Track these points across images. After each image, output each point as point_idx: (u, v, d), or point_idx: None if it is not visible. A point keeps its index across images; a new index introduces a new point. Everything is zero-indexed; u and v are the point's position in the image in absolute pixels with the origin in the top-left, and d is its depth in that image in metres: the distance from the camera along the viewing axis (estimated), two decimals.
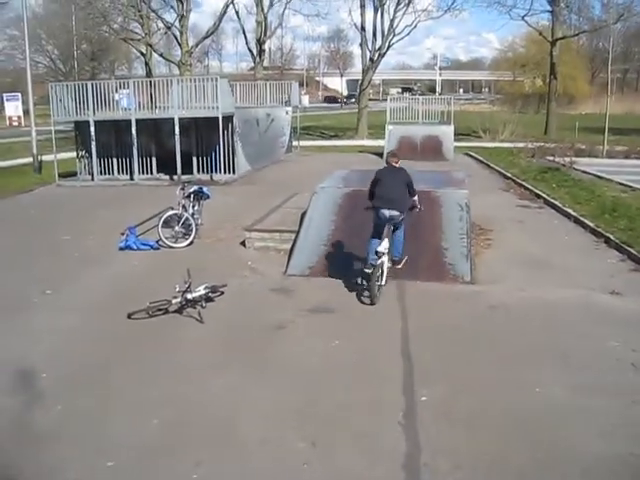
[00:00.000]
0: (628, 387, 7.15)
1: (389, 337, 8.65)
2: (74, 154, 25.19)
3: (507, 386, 7.18)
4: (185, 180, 19.92)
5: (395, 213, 10.12)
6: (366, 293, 10.15)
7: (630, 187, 19.83)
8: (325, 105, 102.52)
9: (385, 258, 10.15)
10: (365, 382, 7.33)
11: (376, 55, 43.61)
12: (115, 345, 8.57)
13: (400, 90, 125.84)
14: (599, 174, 22.81)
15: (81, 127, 24.09)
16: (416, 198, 10.88)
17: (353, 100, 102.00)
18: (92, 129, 22.95)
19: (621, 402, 6.79)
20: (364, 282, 10.31)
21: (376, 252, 9.97)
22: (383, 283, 10.22)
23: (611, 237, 13.35)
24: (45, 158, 26.39)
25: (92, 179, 24.08)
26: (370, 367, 7.74)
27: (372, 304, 9.86)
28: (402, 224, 10.53)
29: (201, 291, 9.65)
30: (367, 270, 9.96)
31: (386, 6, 42.67)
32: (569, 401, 6.82)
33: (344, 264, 11.51)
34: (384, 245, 10.07)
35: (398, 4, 42.07)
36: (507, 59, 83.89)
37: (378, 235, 10.24)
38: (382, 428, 6.31)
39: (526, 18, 45.76)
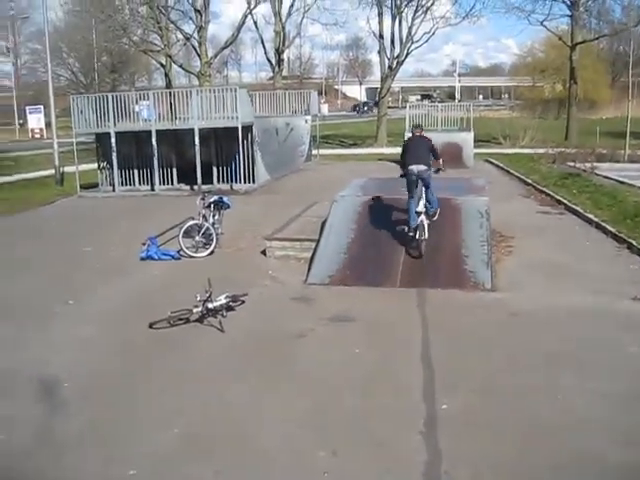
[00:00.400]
0: None
1: (409, 345, 8.63)
2: (95, 165, 25.41)
3: (528, 393, 7.14)
4: (205, 190, 20.00)
5: (422, 167, 11.87)
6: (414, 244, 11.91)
7: None
8: (344, 114, 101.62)
9: (423, 216, 11.93)
10: (386, 390, 7.32)
11: (394, 63, 43.61)
12: (137, 355, 8.62)
13: (419, 97, 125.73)
14: (621, 179, 22.65)
15: (102, 139, 24.29)
16: (441, 161, 12.91)
17: (366, 108, 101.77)
18: (113, 140, 23.13)
19: None
20: (415, 235, 11.87)
21: (416, 212, 11.88)
22: (426, 237, 11.83)
23: (634, 243, 13.24)
24: (67, 170, 26.62)
25: (113, 190, 24.24)
26: (391, 375, 7.73)
27: (420, 257, 11.64)
28: (430, 180, 12.13)
29: (222, 300, 9.68)
30: (410, 233, 11.91)
31: (404, 14, 42.71)
32: (590, 408, 6.77)
33: (364, 272, 11.52)
34: (421, 205, 11.97)
35: (416, 11, 42.08)
36: (526, 64, 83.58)
37: (412, 195, 11.98)
38: (403, 436, 6.29)
39: (545, 23, 45.49)
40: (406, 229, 12.17)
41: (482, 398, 7.05)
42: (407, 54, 43.36)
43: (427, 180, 12.09)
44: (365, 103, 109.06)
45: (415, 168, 11.86)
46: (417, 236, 11.78)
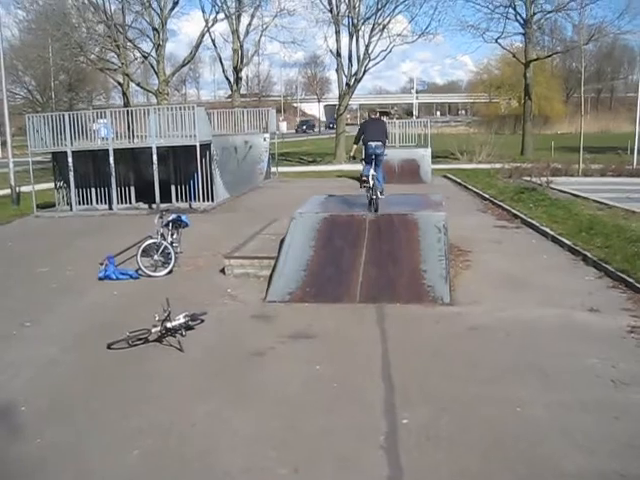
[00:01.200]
0: (609, 404, 7.18)
1: (370, 361, 8.65)
2: (52, 185, 25.12)
3: (488, 406, 7.19)
4: (164, 209, 19.87)
5: (379, 143, 14.21)
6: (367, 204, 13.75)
7: (606, 205, 20.03)
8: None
9: (375, 180, 13.89)
10: (346, 406, 7.32)
11: (352, 80, 43.96)
12: (95, 376, 8.52)
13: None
14: (575, 192, 23.04)
15: (59, 158, 24.03)
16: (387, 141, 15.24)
17: (305, 127, 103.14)
18: (70, 159, 22.89)
19: (603, 419, 6.82)
20: (367, 193, 13.89)
21: (369, 173, 13.98)
22: (379, 197, 13.66)
23: (588, 255, 13.46)
24: (23, 189, 26.33)
25: (71, 209, 23.97)
26: (351, 391, 7.73)
27: (376, 211, 13.32)
28: (382, 159, 14.65)
29: (181, 320, 9.61)
30: (366, 185, 13.97)
31: (361, 32, 43.15)
32: (550, 419, 6.84)
33: (323, 289, 11.54)
34: (372, 171, 13.98)
35: (373, 30, 42.52)
36: (482, 81, 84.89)
37: (369, 164, 14.28)
38: (364, 452, 6.30)
39: (500, 40, 46.36)
40: (361, 185, 14.64)
41: (442, 412, 7.08)
42: (364, 71, 43.78)
43: (380, 157, 14.48)
44: (304, 122, 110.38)
45: (373, 144, 14.18)
46: (372, 196, 13.64)
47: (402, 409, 7.15)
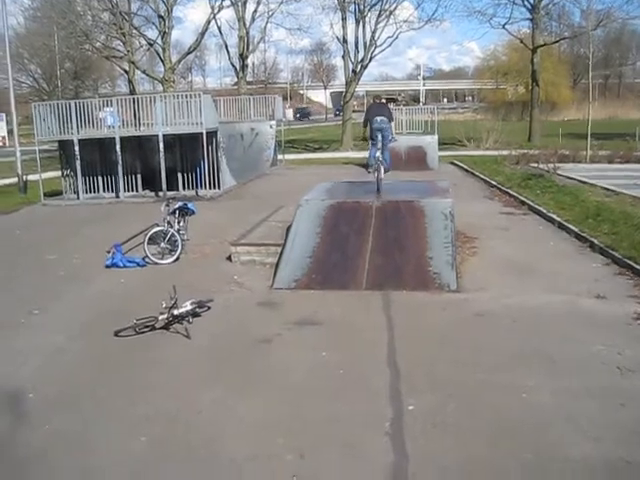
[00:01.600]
0: (615, 390, 7.18)
1: (376, 347, 8.66)
2: (59, 173, 25.17)
3: (494, 393, 7.20)
4: (170, 196, 19.91)
5: (384, 119, 15.81)
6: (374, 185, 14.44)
7: (613, 191, 19.96)
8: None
9: (380, 162, 14.78)
10: (352, 393, 7.34)
11: (359, 67, 43.85)
12: (102, 363, 8.55)
13: (384, 101, 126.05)
14: (583, 179, 22.97)
15: (65, 146, 24.07)
16: (393, 126, 17.45)
17: (299, 115, 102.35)
18: (76, 148, 22.93)
19: (608, 405, 6.82)
20: (374, 174, 14.69)
21: (375, 157, 15.13)
22: (382, 177, 14.49)
23: (595, 241, 13.43)
24: (30, 178, 26.38)
25: (77, 198, 24.03)
26: (357, 378, 7.75)
27: (379, 191, 14.04)
28: (388, 136, 16.06)
29: (187, 307, 9.63)
30: (370, 170, 15.48)
31: (367, 18, 42.99)
32: (556, 406, 6.85)
33: (330, 276, 11.55)
34: (379, 153, 15.13)
35: (379, 16, 42.35)
36: (489, 67, 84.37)
37: (374, 143, 15.74)
38: (370, 439, 6.31)
39: (507, 26, 46.12)
40: (368, 167, 16.97)
41: (448, 398, 7.09)
42: (371, 58, 43.66)
43: (386, 134, 15.91)
44: (299, 109, 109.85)
45: (378, 119, 15.76)
46: (376, 176, 14.46)
47: (408, 395, 7.16)
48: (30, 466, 6.09)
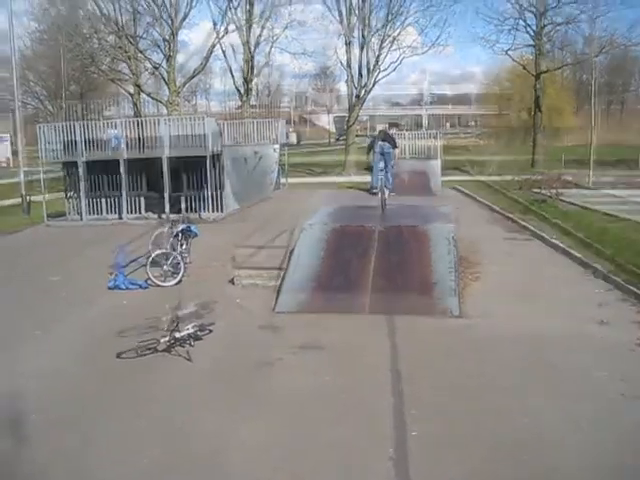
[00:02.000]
0: (619, 417, 7.15)
1: (379, 372, 8.64)
2: (63, 194, 25.21)
3: (496, 418, 7.18)
4: (174, 219, 19.89)
5: (386, 144, 18.47)
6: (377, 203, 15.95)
7: (616, 217, 19.95)
8: (312, 142, 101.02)
9: (383, 184, 17.16)
10: (356, 418, 7.31)
11: (362, 91, 44.00)
12: (104, 385, 8.54)
13: (387, 126, 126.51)
14: (586, 205, 22.97)
15: (70, 167, 24.12)
16: (397, 151, 21.44)
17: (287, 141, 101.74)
18: (81, 170, 22.99)
19: (611, 433, 6.79)
20: (376, 194, 17.02)
21: (379, 179, 17.60)
22: (386, 197, 16.09)
23: (599, 267, 13.41)
24: (34, 199, 26.42)
25: (81, 219, 24.02)
26: (361, 403, 7.73)
27: (383, 210, 15.31)
28: (390, 161, 18.98)
29: (189, 330, 9.63)
30: (375, 190, 18.13)
31: (371, 43, 43.19)
32: (558, 431, 6.83)
33: (332, 300, 11.53)
34: (382, 175, 17.59)
35: (383, 41, 42.57)
36: (493, 93, 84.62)
37: (377, 168, 18.43)
38: (373, 464, 6.30)
39: (510, 52, 46.33)
40: (371, 189, 19.15)
41: (452, 424, 7.07)
42: (374, 83, 43.87)
43: (388, 158, 18.81)
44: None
45: (381, 143, 18.43)
46: (380, 196, 16.11)
47: (412, 421, 7.14)
48: None
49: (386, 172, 18.55)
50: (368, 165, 20.99)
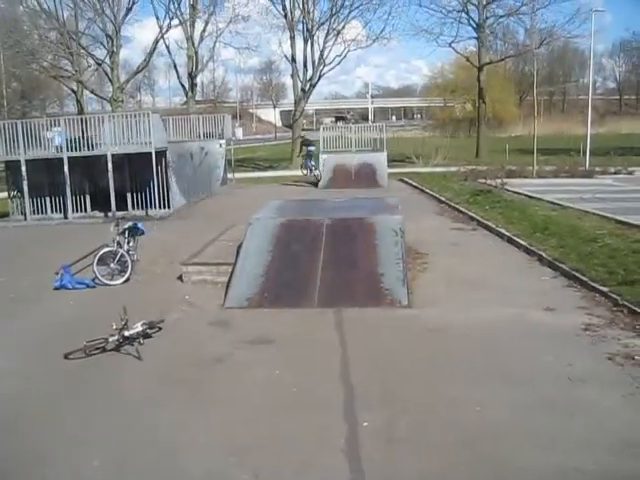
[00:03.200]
0: (566, 401, 7.28)
1: (329, 364, 8.65)
2: (5, 194, 24.78)
3: (448, 407, 7.24)
4: (120, 216, 19.71)
5: (312, 148, 30.94)
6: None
7: (560, 205, 20.30)
8: (259, 137, 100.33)
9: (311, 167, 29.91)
10: (306, 411, 7.31)
11: (308, 85, 44.08)
12: (53, 386, 8.40)
13: (333, 119, 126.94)
14: (530, 194, 23.32)
15: (12, 167, 23.72)
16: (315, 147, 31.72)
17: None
18: (23, 168, 22.61)
19: (559, 416, 6.91)
20: (311, 175, 28.74)
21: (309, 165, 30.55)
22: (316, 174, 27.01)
23: (544, 255, 13.63)
24: None
25: (25, 219, 23.67)
26: (311, 395, 7.73)
27: (318, 181, 27.44)
28: (312, 154, 30.65)
29: (138, 328, 9.53)
30: (304, 171, 31.62)
31: (315, 37, 43.29)
32: (509, 418, 6.91)
33: (282, 294, 11.53)
34: (310, 162, 29.55)
35: (327, 35, 42.70)
36: (437, 85, 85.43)
37: (309, 159, 31.27)
38: (325, 456, 6.29)
39: (453, 45, 46.85)
40: (303, 172, 30.86)
41: (402, 414, 7.10)
42: (320, 76, 44.06)
43: (312, 154, 29.18)
44: None
45: (309, 147, 29.96)
46: (308, 173, 25.70)
47: (362, 412, 7.16)
48: None
49: (311, 162, 30.76)
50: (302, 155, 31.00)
